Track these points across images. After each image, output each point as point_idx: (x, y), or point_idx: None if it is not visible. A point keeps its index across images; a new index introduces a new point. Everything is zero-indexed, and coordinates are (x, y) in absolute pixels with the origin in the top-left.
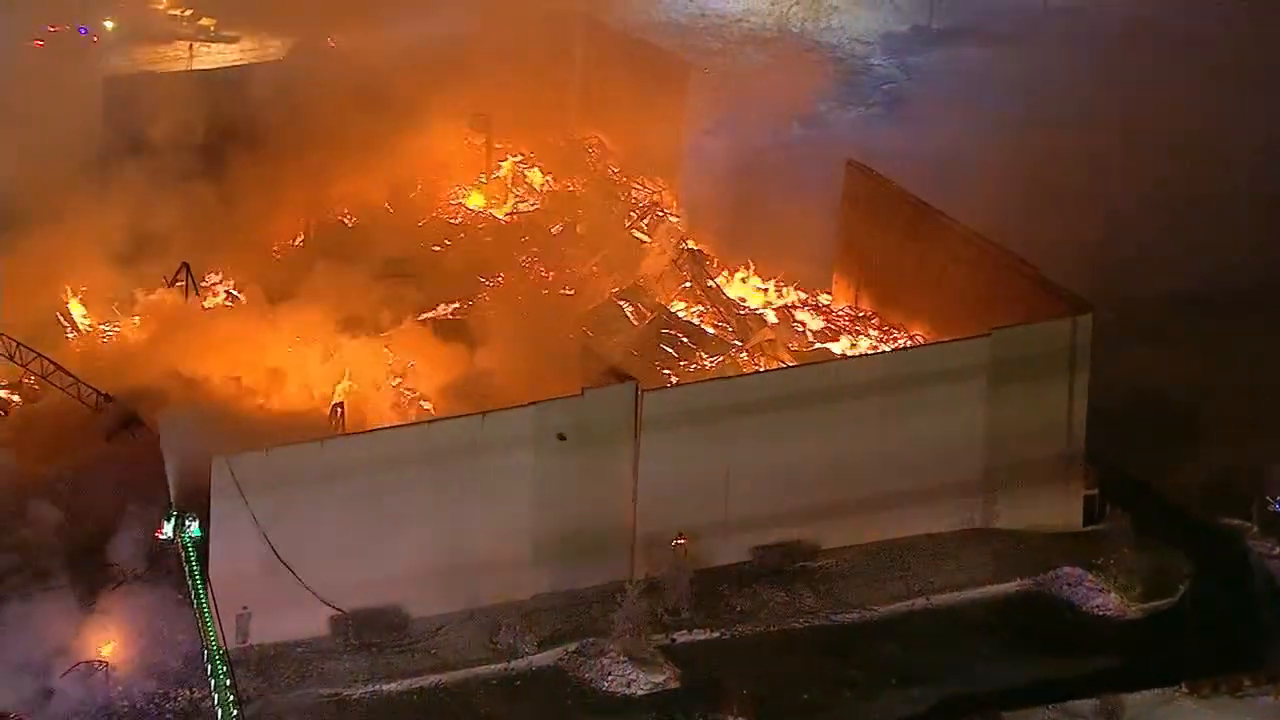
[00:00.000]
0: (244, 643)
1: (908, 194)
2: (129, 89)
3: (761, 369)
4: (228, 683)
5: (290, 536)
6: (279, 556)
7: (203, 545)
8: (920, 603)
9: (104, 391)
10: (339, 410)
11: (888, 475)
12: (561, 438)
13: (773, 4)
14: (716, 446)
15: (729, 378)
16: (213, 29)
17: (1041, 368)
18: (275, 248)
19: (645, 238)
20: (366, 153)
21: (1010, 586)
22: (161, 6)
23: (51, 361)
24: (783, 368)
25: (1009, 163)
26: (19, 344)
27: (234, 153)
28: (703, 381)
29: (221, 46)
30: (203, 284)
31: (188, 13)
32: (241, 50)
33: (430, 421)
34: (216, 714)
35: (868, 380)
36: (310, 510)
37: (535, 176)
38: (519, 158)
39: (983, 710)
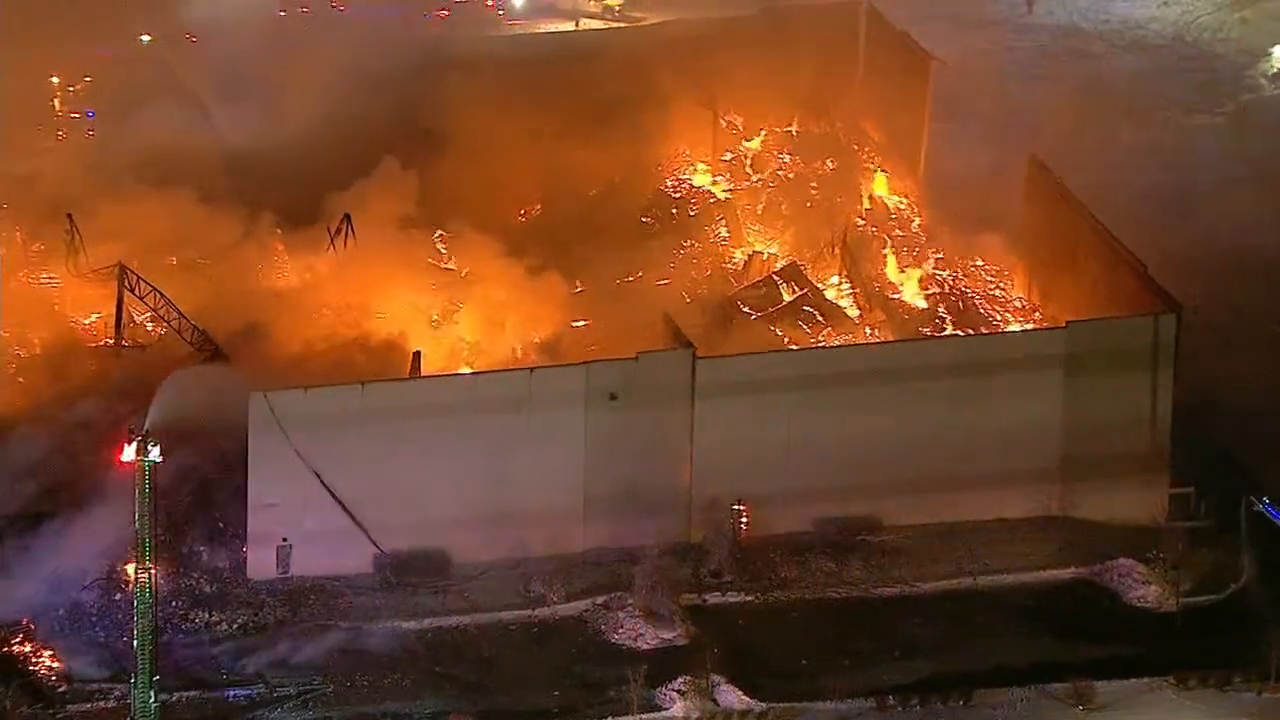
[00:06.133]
0: (284, 573)
1: (1068, 192)
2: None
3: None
4: (149, 607)
5: (329, 475)
6: (330, 490)
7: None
8: (966, 583)
9: (203, 329)
10: (417, 357)
11: (958, 457)
12: (613, 398)
13: (1183, 13)
14: (779, 417)
15: (788, 350)
16: (618, 9)
17: (1122, 363)
18: (521, 211)
19: (860, 221)
20: (621, 127)
21: (1065, 573)
22: None
23: (163, 295)
24: (844, 345)
25: None
26: (139, 277)
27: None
28: (760, 353)
29: (617, 26)
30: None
31: None
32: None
33: (476, 373)
34: (133, 631)
35: (936, 363)
36: (351, 450)
37: (781, 157)
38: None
39: (962, 687)
